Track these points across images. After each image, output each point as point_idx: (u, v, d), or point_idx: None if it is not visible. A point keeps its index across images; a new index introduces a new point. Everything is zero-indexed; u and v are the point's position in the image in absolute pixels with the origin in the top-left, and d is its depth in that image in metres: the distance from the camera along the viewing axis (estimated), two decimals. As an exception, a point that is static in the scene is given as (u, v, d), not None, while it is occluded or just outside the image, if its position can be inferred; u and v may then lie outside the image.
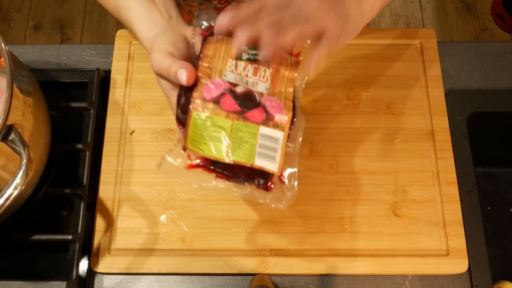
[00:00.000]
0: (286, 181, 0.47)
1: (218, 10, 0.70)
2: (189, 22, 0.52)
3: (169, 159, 0.47)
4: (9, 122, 0.52)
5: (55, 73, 0.73)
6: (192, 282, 0.64)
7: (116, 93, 0.72)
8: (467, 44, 0.77)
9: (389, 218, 0.65)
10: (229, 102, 0.46)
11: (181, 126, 0.47)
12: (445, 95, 0.72)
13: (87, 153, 0.67)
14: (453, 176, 0.67)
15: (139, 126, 0.71)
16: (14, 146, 0.52)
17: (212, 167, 0.47)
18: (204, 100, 0.46)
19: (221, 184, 0.47)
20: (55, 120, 0.71)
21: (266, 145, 0.46)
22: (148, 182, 0.67)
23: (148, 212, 0.66)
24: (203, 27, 0.49)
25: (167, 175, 0.48)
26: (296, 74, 0.48)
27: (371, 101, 0.72)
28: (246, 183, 0.47)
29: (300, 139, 0.48)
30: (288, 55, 0.48)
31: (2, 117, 0.50)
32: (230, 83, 0.47)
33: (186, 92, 0.47)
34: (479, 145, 0.71)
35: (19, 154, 0.51)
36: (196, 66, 0.47)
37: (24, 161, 0.51)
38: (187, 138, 0.46)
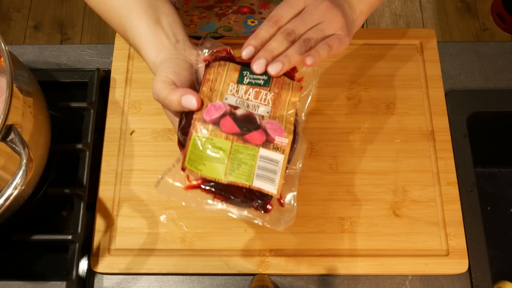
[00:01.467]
0: (286, 204, 0.48)
1: (219, 17, 0.70)
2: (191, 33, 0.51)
3: (168, 178, 0.47)
4: (9, 122, 0.52)
5: (55, 73, 0.73)
6: (192, 282, 0.64)
7: (116, 93, 0.72)
8: (467, 44, 0.77)
9: (389, 218, 0.65)
10: (229, 124, 0.46)
11: (182, 148, 0.48)
12: (445, 95, 0.72)
13: (87, 153, 0.67)
14: (453, 176, 0.67)
15: (139, 126, 0.71)
16: (14, 146, 0.52)
17: (210, 188, 0.47)
18: (204, 121, 0.46)
19: (219, 205, 0.47)
20: (55, 120, 0.71)
21: (266, 167, 0.46)
22: (148, 182, 0.67)
23: (148, 212, 0.66)
24: (206, 54, 0.50)
25: (165, 194, 0.48)
26: (298, 99, 0.49)
27: (371, 101, 0.72)
28: (244, 205, 0.47)
29: (301, 163, 0.49)
30: (291, 79, 0.49)
31: (2, 117, 0.50)
32: (231, 105, 0.47)
33: (187, 115, 0.47)
34: (479, 145, 0.71)
35: (19, 154, 0.51)
36: (198, 91, 0.48)
37: (24, 161, 0.51)
38: (185, 158, 0.46)
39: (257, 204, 0.47)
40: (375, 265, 0.63)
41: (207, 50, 0.50)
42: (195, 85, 0.49)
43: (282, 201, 0.48)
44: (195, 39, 0.73)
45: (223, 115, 0.46)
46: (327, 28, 0.48)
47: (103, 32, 1.80)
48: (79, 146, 0.67)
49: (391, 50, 0.75)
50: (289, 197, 0.48)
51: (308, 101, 0.50)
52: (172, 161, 0.47)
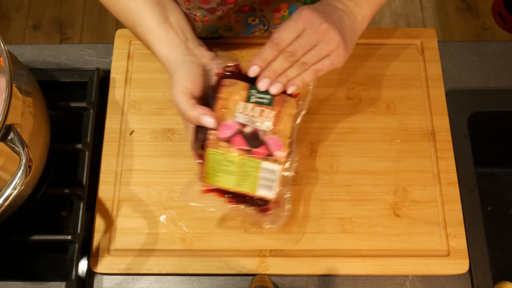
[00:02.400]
0: (280, 204, 0.57)
1: (220, 18, 0.71)
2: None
3: (189, 188, 0.57)
4: (8, 122, 0.51)
5: (54, 73, 0.73)
6: (192, 283, 0.64)
7: (115, 93, 0.72)
8: (468, 43, 0.77)
9: (389, 218, 0.65)
10: (239, 140, 0.54)
11: (198, 159, 0.56)
12: (446, 94, 0.72)
13: (87, 153, 0.67)
14: (453, 176, 0.67)
15: (138, 126, 0.71)
16: (13, 146, 0.52)
17: (224, 194, 0.57)
18: (219, 139, 0.54)
19: (230, 208, 0.57)
20: (55, 120, 0.70)
21: (266, 177, 0.55)
22: (147, 182, 0.67)
23: (148, 212, 0.66)
24: (219, 68, 0.57)
25: (189, 201, 0.57)
26: (294, 114, 0.56)
27: (372, 101, 0.72)
28: (250, 206, 0.57)
29: (294, 170, 0.56)
30: (288, 96, 0.56)
31: (1, 117, 0.50)
32: (240, 123, 0.55)
33: (203, 130, 0.55)
34: (480, 145, 0.71)
35: (18, 154, 0.51)
36: (212, 103, 0.56)
37: (23, 161, 0.51)
38: (204, 172, 0.55)
39: (259, 207, 0.56)
40: (376, 265, 0.63)
41: (218, 63, 0.57)
42: (207, 85, 0.56)
43: (278, 203, 0.57)
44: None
45: (234, 133, 0.54)
46: (322, 49, 0.53)
47: (102, 32, 1.80)
48: (79, 146, 0.66)
49: (392, 49, 0.75)
50: (284, 199, 0.57)
51: (301, 115, 0.57)
52: (193, 174, 0.56)
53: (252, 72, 0.54)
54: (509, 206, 0.82)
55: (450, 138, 0.69)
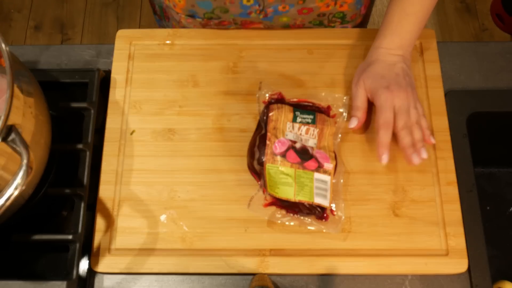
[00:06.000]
0: (335, 212, 0.63)
1: (203, 25, 0.71)
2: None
3: (255, 200, 0.63)
4: (9, 122, 0.52)
5: (55, 73, 0.73)
6: (192, 282, 0.64)
7: (116, 93, 0.72)
8: (467, 44, 0.77)
9: (389, 218, 0.65)
10: (292, 155, 0.62)
11: (253, 173, 0.64)
12: (445, 95, 0.72)
13: (88, 153, 0.67)
14: (452, 176, 0.67)
15: (139, 126, 0.71)
16: (14, 146, 0.52)
17: (282, 205, 0.62)
18: (274, 154, 0.62)
19: (291, 218, 0.63)
20: (56, 120, 0.71)
21: (320, 187, 0.62)
22: (148, 182, 0.67)
23: (148, 212, 0.66)
24: (267, 96, 0.67)
25: (254, 211, 0.63)
26: (333, 131, 0.66)
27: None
28: (308, 214, 0.62)
29: (342, 180, 0.65)
30: (327, 117, 0.66)
31: (2, 117, 0.50)
32: (290, 140, 0.63)
33: (260, 148, 0.63)
34: (478, 145, 0.71)
35: (20, 154, 0.51)
36: (264, 127, 0.65)
37: (25, 161, 0.51)
38: (266, 185, 0.62)
39: (317, 213, 0.62)
40: (375, 264, 0.63)
41: (264, 93, 0.67)
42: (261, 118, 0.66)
43: (333, 211, 0.63)
44: (191, 17, 0.72)
45: (287, 149, 0.62)
46: (417, 107, 0.65)
47: (103, 32, 1.80)
48: (80, 146, 0.67)
49: (391, 50, 0.75)
50: (337, 207, 0.63)
51: (339, 134, 0.67)
52: (256, 188, 0.64)
53: (385, 160, 0.63)
54: (508, 206, 0.82)
55: (449, 138, 0.69)
